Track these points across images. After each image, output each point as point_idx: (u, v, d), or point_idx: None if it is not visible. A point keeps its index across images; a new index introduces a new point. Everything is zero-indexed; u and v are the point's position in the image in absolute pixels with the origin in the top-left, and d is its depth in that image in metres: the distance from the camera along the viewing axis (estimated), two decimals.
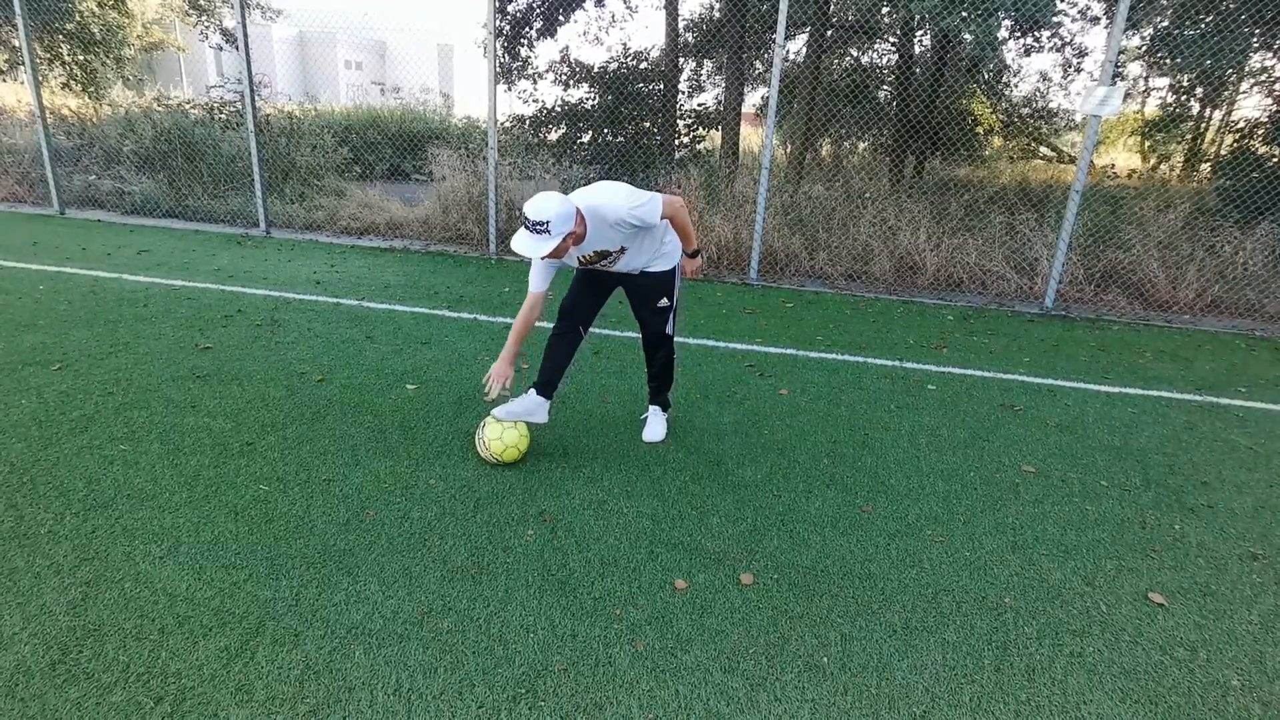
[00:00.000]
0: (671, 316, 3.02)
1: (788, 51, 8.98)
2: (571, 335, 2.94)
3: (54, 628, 1.94)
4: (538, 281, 2.76)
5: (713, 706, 1.82)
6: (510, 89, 8.20)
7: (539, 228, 2.41)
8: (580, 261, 2.74)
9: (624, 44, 8.43)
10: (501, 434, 2.85)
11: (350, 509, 2.57)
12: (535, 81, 8.23)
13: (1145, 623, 2.22)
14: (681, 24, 8.59)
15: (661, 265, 2.87)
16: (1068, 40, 8.29)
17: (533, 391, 2.94)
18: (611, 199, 2.56)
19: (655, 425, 3.22)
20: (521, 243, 2.44)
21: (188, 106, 9.25)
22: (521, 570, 2.30)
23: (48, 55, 12.75)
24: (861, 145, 10.07)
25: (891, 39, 9.30)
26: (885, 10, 8.29)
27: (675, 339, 3.10)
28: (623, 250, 2.69)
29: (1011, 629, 2.16)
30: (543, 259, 2.58)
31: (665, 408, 3.28)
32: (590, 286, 2.92)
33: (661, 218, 2.64)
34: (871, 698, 1.88)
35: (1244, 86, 8.48)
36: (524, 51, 8.26)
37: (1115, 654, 2.08)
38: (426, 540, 2.41)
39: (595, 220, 2.56)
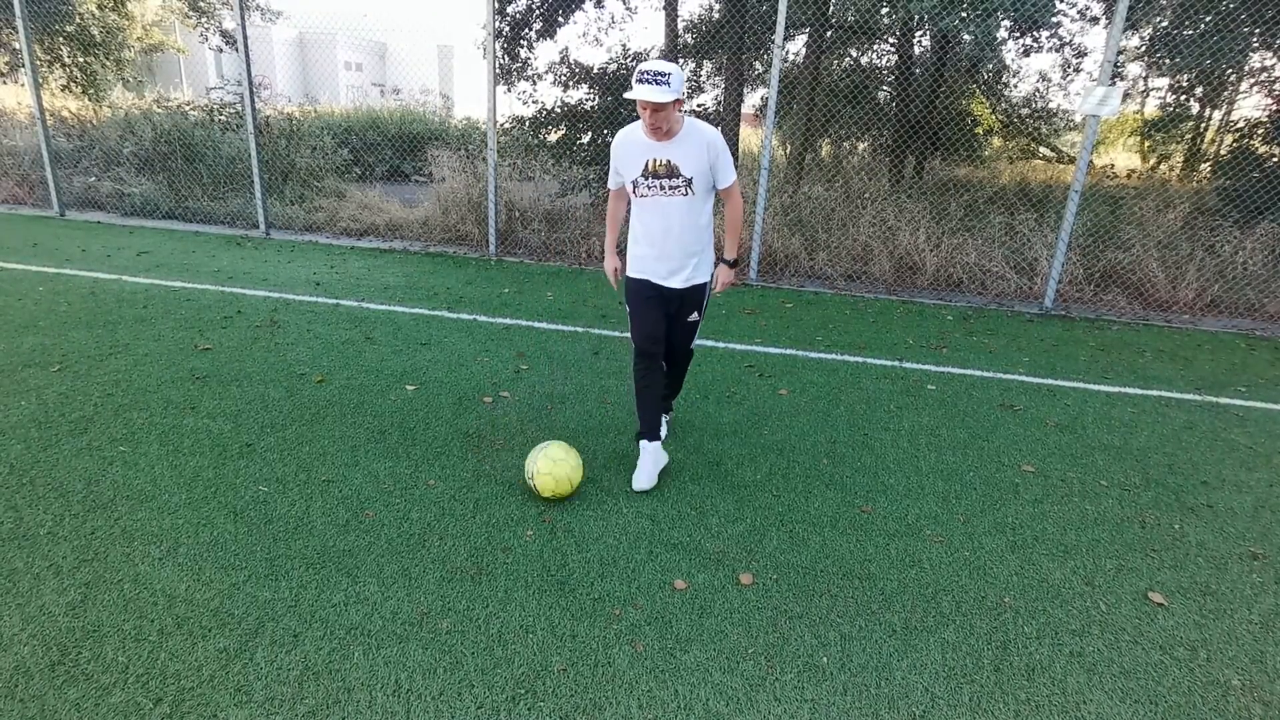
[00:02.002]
0: (697, 329, 3.01)
1: (787, 52, 8.99)
2: (656, 371, 2.90)
3: (53, 629, 1.94)
4: (615, 181, 2.86)
5: (712, 707, 1.82)
6: (510, 90, 8.19)
7: (660, 78, 2.43)
8: (647, 170, 2.66)
9: (623, 45, 8.43)
10: (553, 469, 2.63)
11: (350, 510, 2.57)
12: (535, 83, 8.22)
13: (1145, 622, 2.22)
14: (681, 25, 8.59)
15: (701, 275, 2.84)
16: (1067, 40, 8.28)
17: (644, 444, 2.88)
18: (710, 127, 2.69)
19: (647, 466, 2.88)
20: (644, 90, 2.43)
21: (188, 108, 9.26)
22: (521, 571, 2.29)
23: (48, 57, 12.77)
24: (861, 146, 10.06)
25: (891, 39, 9.30)
26: (885, 11, 8.28)
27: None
28: (688, 185, 2.65)
29: (1011, 629, 2.16)
30: (648, 125, 2.56)
31: (668, 411, 3.27)
32: (653, 312, 2.84)
33: (731, 184, 2.74)
34: (871, 698, 1.88)
35: (1243, 86, 8.48)
36: (523, 53, 8.26)
37: (1115, 653, 2.08)
38: (426, 541, 2.41)
39: (691, 127, 2.64)
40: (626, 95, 2.47)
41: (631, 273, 2.86)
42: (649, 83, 2.44)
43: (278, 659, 1.88)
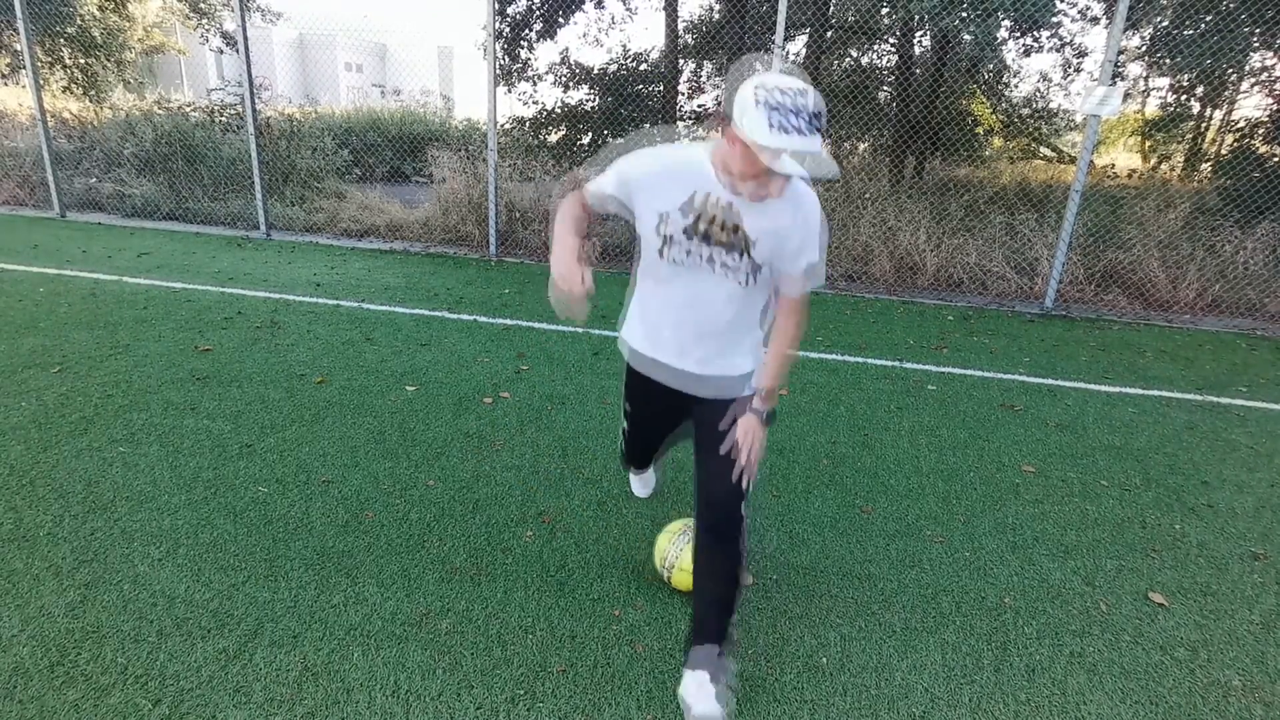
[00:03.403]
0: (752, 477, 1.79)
1: (787, 53, 8.98)
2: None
3: (53, 630, 1.94)
4: (601, 200, 1.76)
5: None
6: (510, 91, 8.20)
7: (816, 121, 1.43)
8: (696, 227, 1.64)
9: (624, 45, 8.42)
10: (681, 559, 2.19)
11: (349, 510, 2.56)
12: (535, 83, 8.23)
13: (1146, 622, 2.22)
14: (681, 25, 8.60)
15: (745, 365, 1.83)
16: (1067, 40, 8.28)
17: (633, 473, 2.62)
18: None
19: (701, 692, 1.74)
20: (793, 141, 1.41)
21: (188, 109, 9.27)
22: (520, 571, 2.29)
23: (49, 59, 12.78)
24: (861, 146, 10.06)
25: (891, 40, 9.30)
26: (885, 11, 8.28)
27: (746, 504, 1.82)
28: (751, 274, 1.67)
29: (1011, 629, 2.16)
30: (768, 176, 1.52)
31: (724, 646, 1.81)
32: (647, 428, 2.09)
33: (805, 293, 1.75)
34: (871, 698, 1.87)
35: (1244, 86, 8.47)
36: (524, 53, 8.27)
37: (1115, 654, 2.08)
38: (425, 541, 2.41)
39: (791, 186, 1.62)
40: (745, 132, 1.44)
41: (628, 356, 1.95)
42: (800, 132, 1.41)
43: (277, 660, 1.88)
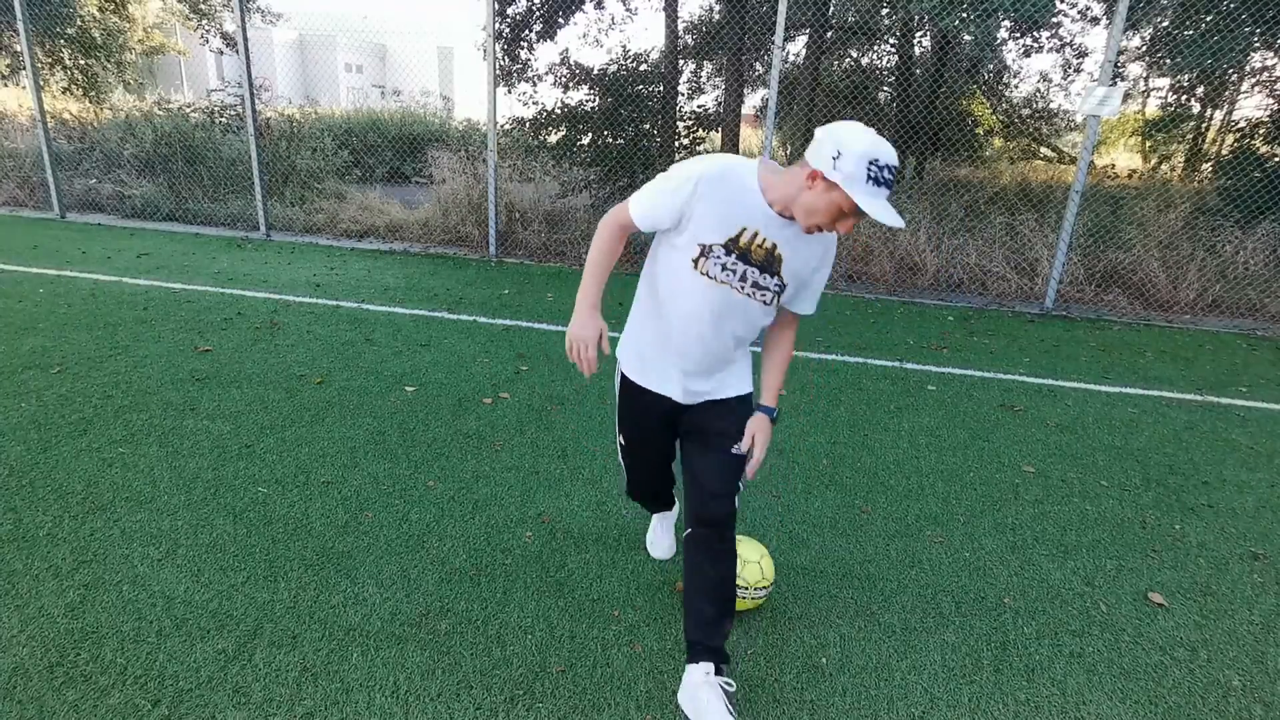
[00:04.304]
0: (743, 478, 1.86)
1: (787, 53, 8.99)
2: (669, 506, 2.32)
3: (52, 630, 1.94)
4: (653, 220, 1.74)
5: None
6: (510, 91, 8.19)
7: (890, 173, 1.51)
8: (736, 244, 1.67)
9: (623, 46, 8.41)
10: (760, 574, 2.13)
11: (349, 511, 2.56)
12: (535, 84, 8.22)
13: (1145, 623, 2.21)
14: (681, 26, 8.60)
15: (736, 386, 1.89)
16: (1067, 40, 8.29)
17: (659, 517, 2.39)
18: None
19: (705, 700, 1.74)
20: (880, 207, 1.50)
21: (188, 110, 9.27)
22: (520, 572, 2.29)
23: (49, 60, 12.78)
24: None
25: (891, 40, 9.30)
26: (885, 11, 8.29)
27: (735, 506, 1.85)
28: (777, 295, 1.74)
29: (1011, 629, 2.15)
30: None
31: (720, 655, 1.81)
32: (656, 449, 2.04)
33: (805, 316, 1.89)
34: (870, 698, 1.87)
35: (1245, 86, 8.47)
36: (524, 54, 8.26)
37: (1115, 654, 2.08)
38: (425, 542, 2.41)
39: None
40: (839, 178, 1.50)
41: (627, 370, 1.95)
42: (884, 182, 1.51)
43: (276, 660, 1.88)
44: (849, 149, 1.49)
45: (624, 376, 1.97)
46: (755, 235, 1.67)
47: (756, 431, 1.84)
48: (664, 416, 1.91)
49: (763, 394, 1.88)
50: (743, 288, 1.71)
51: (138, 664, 1.85)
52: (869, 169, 1.48)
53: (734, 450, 1.82)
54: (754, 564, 2.11)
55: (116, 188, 8.33)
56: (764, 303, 1.74)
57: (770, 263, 1.69)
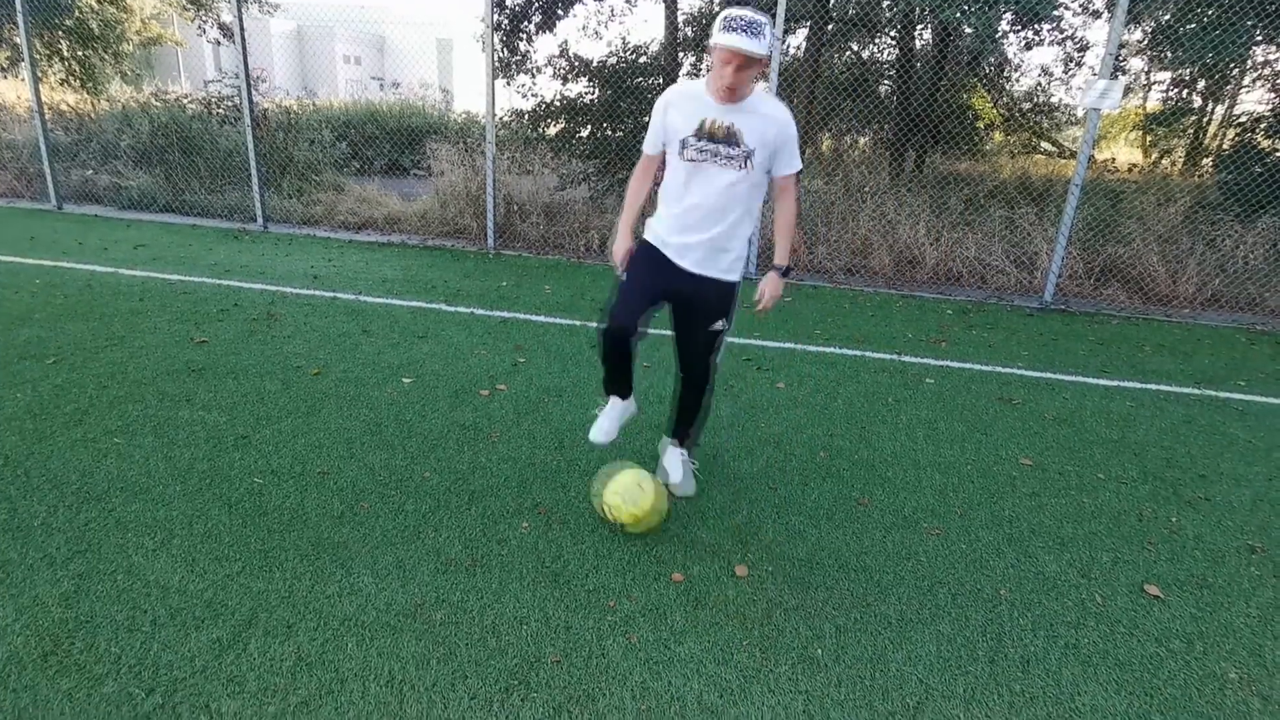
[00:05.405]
0: (722, 343, 2.55)
1: (787, 46, 8.94)
2: (628, 358, 2.52)
3: (46, 619, 1.93)
4: (653, 143, 2.43)
5: (706, 699, 1.81)
6: (509, 83, 8.16)
7: (755, 28, 2.09)
8: (702, 130, 2.27)
9: (623, 38, 8.37)
10: (623, 498, 2.35)
11: (345, 502, 2.56)
12: (534, 76, 8.19)
13: (1141, 615, 2.21)
14: (681, 17, 8.55)
15: (734, 274, 2.46)
16: (1068, 34, 8.24)
17: (614, 400, 2.63)
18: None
19: (675, 466, 2.69)
20: (736, 39, 2.08)
21: (185, 101, 9.23)
22: (516, 563, 2.29)
23: (47, 51, 12.73)
24: (862, 140, 10.03)
25: (892, 33, 9.26)
26: (886, 4, 8.25)
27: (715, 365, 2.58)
28: (747, 159, 2.28)
29: (1006, 621, 2.15)
30: (728, 75, 2.15)
31: (690, 448, 2.70)
32: (650, 282, 2.44)
33: (792, 176, 2.41)
34: (866, 689, 1.87)
35: (1246, 80, 8.44)
36: (523, 46, 8.22)
37: (1110, 646, 2.07)
38: (421, 533, 2.41)
39: (764, 99, 2.31)
40: (711, 42, 2.12)
41: (646, 234, 2.49)
42: (741, 31, 2.07)
43: (271, 650, 1.88)
44: (714, 23, 2.14)
45: (640, 239, 2.50)
46: (714, 121, 2.28)
47: (766, 285, 2.46)
48: (667, 271, 2.41)
49: (775, 256, 2.49)
50: (715, 159, 2.30)
51: (132, 653, 1.84)
52: (723, 22, 2.11)
53: (712, 328, 2.47)
54: (605, 502, 2.37)
55: (113, 179, 8.29)
56: (737, 167, 2.30)
57: (730, 137, 2.28)
